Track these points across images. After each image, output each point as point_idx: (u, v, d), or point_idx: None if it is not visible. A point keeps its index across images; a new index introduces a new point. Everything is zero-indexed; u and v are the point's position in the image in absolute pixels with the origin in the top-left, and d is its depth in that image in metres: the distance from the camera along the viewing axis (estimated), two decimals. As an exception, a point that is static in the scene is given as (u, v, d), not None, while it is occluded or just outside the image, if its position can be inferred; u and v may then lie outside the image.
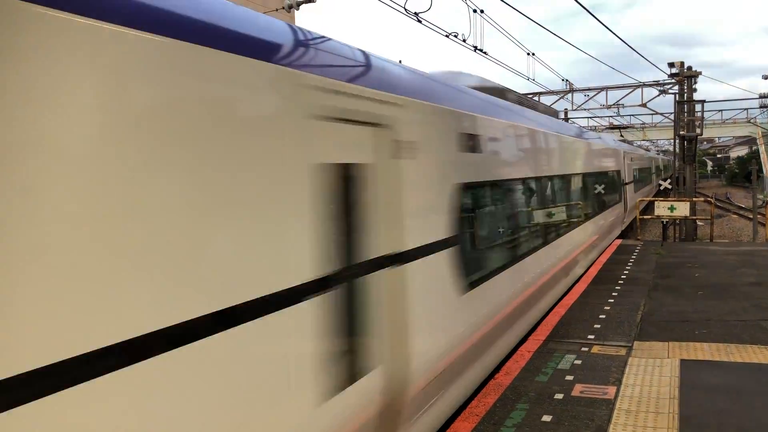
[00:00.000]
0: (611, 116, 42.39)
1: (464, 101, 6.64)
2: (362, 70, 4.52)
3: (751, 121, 54.45)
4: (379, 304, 4.36)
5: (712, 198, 33.84)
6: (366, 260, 4.21)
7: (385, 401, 4.37)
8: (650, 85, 28.31)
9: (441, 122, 5.69)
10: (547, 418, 5.70)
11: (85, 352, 2.24)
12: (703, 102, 26.07)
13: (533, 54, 21.24)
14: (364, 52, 4.83)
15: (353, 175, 4.13)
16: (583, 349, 7.73)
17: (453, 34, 12.33)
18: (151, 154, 2.54)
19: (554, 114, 14.93)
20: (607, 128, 40.77)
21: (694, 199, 23.49)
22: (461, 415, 5.81)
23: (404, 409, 4.62)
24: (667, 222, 22.36)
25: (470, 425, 5.59)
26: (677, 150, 26.23)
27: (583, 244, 12.80)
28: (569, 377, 6.73)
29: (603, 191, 16.32)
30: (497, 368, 7.11)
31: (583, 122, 42.04)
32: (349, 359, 3.96)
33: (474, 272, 6.22)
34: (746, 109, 52.25)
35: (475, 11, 13.49)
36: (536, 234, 9.18)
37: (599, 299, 10.48)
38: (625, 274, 12.80)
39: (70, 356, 2.19)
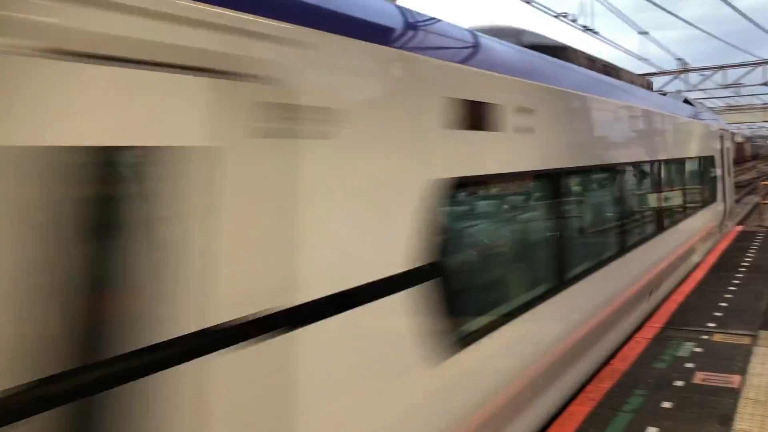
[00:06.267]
0: (729, 96, 40.04)
1: None
2: None
3: None
4: None
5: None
6: None
7: None
8: (774, 62, 26.46)
9: None
10: (667, 404, 5.58)
11: None
12: (835, 78, 24.10)
13: (646, 33, 20.38)
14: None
15: None
16: (703, 337, 7.45)
17: (562, 14, 12.07)
18: None
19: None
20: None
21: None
22: (576, 399, 5.79)
23: None
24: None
25: (586, 409, 5.57)
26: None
27: None
28: (689, 365, 6.52)
29: None
30: (611, 355, 7.01)
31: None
32: None
33: None
34: None
35: (584, -10, 13.14)
36: None
37: (719, 287, 10.02)
38: (747, 262, 12.14)
39: None
